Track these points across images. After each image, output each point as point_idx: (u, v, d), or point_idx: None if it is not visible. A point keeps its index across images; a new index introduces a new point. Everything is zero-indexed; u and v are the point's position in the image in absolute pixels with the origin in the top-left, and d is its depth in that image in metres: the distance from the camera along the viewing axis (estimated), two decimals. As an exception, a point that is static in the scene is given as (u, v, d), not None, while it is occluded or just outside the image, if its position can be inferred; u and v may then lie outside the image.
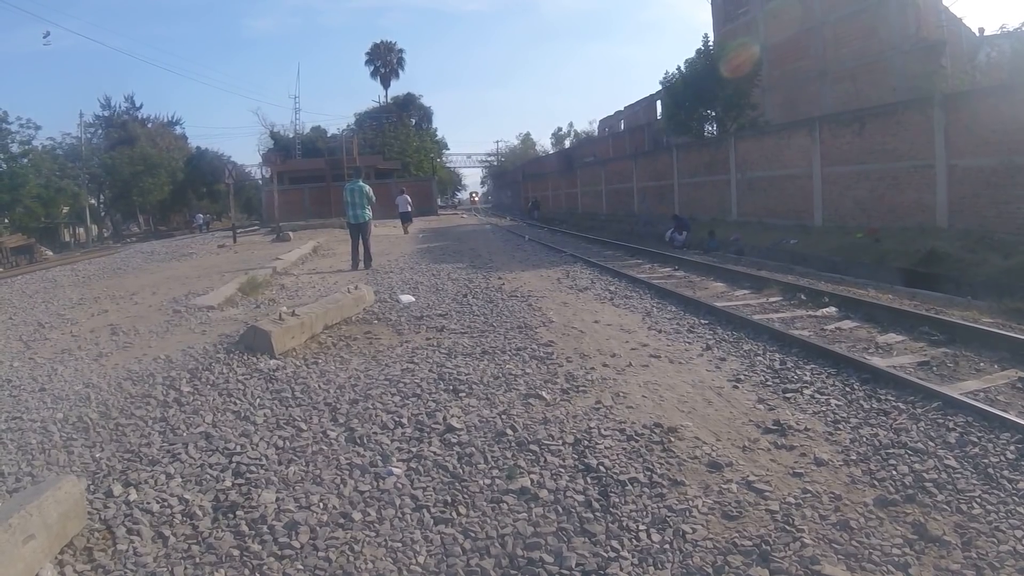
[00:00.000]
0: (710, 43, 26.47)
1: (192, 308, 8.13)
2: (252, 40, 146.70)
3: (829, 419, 4.11)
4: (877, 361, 5.44)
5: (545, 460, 3.48)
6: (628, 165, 31.38)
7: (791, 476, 3.33)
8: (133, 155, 46.19)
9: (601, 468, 3.36)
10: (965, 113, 12.84)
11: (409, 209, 25.32)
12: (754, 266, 12.65)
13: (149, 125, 57.33)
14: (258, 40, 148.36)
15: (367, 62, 65.22)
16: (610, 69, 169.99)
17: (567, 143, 74.27)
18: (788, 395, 4.56)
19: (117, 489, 3.26)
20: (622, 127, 53.87)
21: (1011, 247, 10.98)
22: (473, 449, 3.61)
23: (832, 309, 7.84)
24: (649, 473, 3.32)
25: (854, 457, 3.55)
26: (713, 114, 26.64)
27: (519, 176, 65.59)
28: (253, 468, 3.44)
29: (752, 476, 3.30)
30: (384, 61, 64.56)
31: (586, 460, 3.46)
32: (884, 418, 4.10)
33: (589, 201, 36.93)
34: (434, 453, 3.58)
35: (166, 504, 3.12)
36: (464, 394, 4.57)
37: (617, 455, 3.53)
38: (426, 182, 43.41)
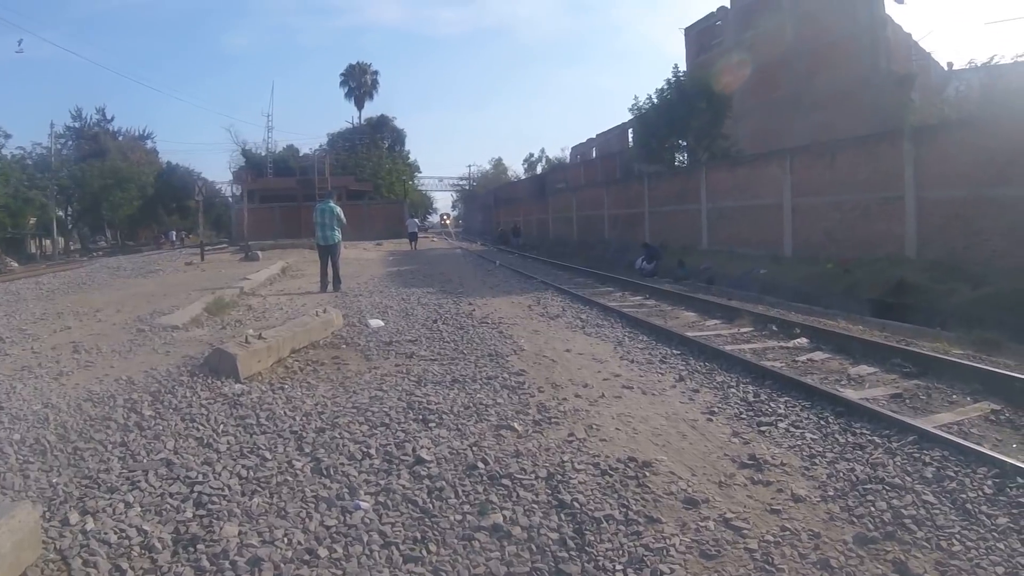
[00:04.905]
0: (681, 73, 26.93)
1: (157, 327, 7.90)
2: (228, 57, 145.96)
3: (805, 453, 4.06)
4: (850, 393, 5.44)
5: (518, 495, 3.37)
6: (600, 192, 31.63)
7: (769, 513, 3.27)
8: (103, 168, 45.47)
9: (575, 504, 3.26)
10: (935, 145, 13.17)
11: (417, 230, 29.93)
12: (724, 296, 12.73)
13: (120, 138, 56.62)
14: (234, 57, 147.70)
15: (342, 83, 65.42)
16: (583, 97, 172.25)
17: (539, 169, 74.83)
18: (763, 428, 4.51)
19: (74, 517, 3.07)
20: (594, 154, 54.57)
21: (980, 278, 11.20)
22: (444, 483, 3.48)
23: (803, 340, 7.88)
24: (624, 510, 3.22)
25: (831, 493, 3.49)
26: (684, 144, 27.05)
27: (490, 200, 65.79)
28: (215, 499, 3.27)
29: (729, 513, 3.23)
30: (359, 82, 64.71)
31: (560, 495, 3.36)
32: (860, 452, 4.07)
33: (560, 227, 37.11)
34: (403, 486, 3.44)
35: (124, 535, 2.94)
36: (434, 424, 4.43)
37: (591, 490, 3.43)
38: (397, 204, 43.33)
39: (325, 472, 3.61)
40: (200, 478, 3.50)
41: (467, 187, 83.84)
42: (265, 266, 16.93)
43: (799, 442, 4.26)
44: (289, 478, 3.54)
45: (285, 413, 4.64)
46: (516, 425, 4.40)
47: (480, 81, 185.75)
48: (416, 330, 8.08)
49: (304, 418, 4.54)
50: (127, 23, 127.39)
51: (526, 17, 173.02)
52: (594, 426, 4.44)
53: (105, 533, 2.95)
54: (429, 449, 3.94)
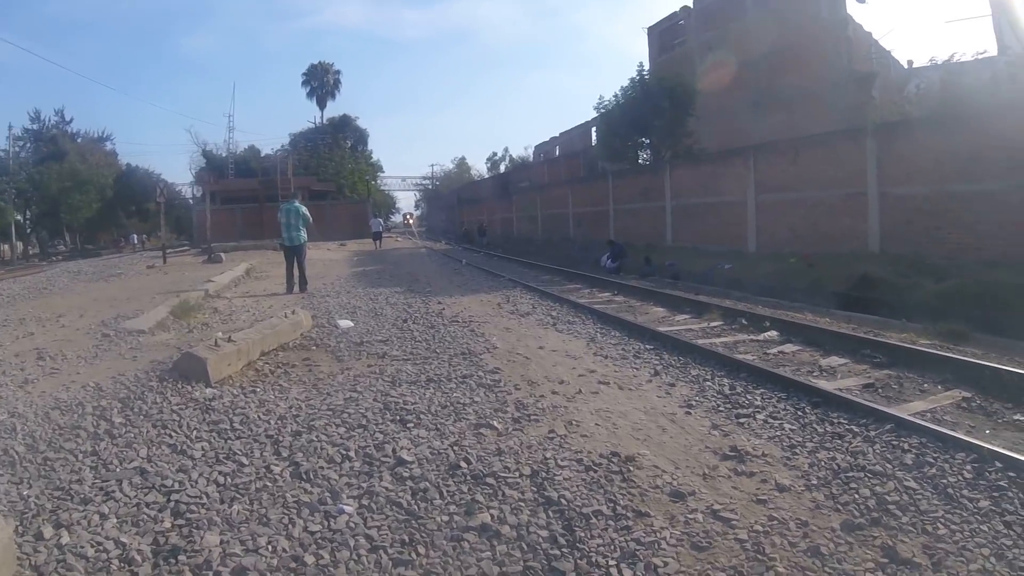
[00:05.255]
0: (646, 72, 27.10)
1: (122, 332, 7.65)
2: (188, 59, 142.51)
3: (785, 444, 4.10)
4: (824, 384, 5.52)
5: (503, 494, 3.32)
6: (564, 191, 31.69)
7: (755, 503, 3.28)
8: (62, 171, 43.90)
9: (563, 501, 3.22)
10: (898, 143, 13.45)
11: (381, 229, 30.74)
12: (692, 291, 12.82)
13: (79, 140, 54.76)
14: (195, 59, 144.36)
15: (304, 83, 64.33)
16: (547, 98, 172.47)
17: (502, 168, 74.58)
18: (741, 420, 4.54)
19: (48, 531, 2.93)
20: (557, 153, 54.57)
21: (942, 271, 11.46)
22: (427, 484, 3.42)
23: (774, 333, 7.97)
24: (612, 505, 3.20)
25: (815, 482, 3.53)
26: (647, 142, 27.23)
27: (454, 200, 65.44)
28: (193, 507, 3.16)
29: (716, 504, 3.23)
30: (321, 82, 63.76)
31: (546, 493, 3.32)
32: (839, 441, 4.12)
33: (525, 226, 37.12)
34: (386, 488, 3.37)
35: (101, 548, 2.81)
36: (412, 424, 4.36)
37: (577, 487, 3.40)
38: (361, 204, 42.86)
39: (305, 476, 3.52)
40: (176, 486, 3.38)
41: (430, 187, 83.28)
42: (229, 268, 16.56)
43: (778, 433, 4.29)
44: (268, 483, 3.44)
45: (259, 417, 4.52)
46: (496, 423, 4.35)
47: (444, 83, 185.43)
48: (387, 330, 7.98)
49: (279, 421, 4.43)
50: (85, 25, 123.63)
51: (489, 21, 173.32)
52: (574, 422, 4.42)
53: (81, 547, 2.82)
54: (409, 450, 3.87)
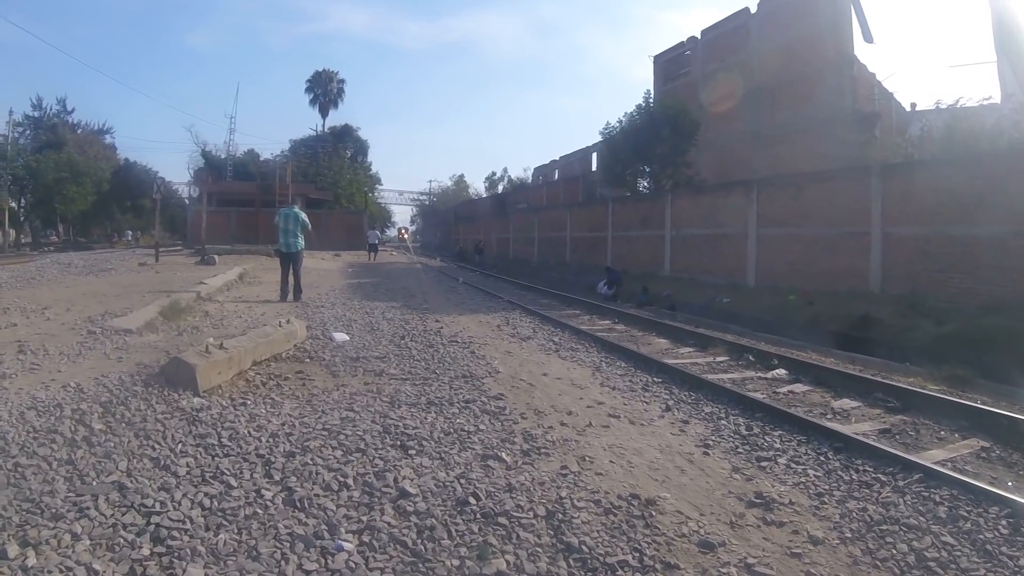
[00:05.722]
0: (651, 99, 27.18)
1: (108, 330, 7.28)
2: (192, 55, 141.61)
3: (812, 491, 3.87)
4: (839, 427, 5.29)
5: (518, 537, 3.03)
6: (563, 214, 31.57)
7: (789, 556, 3.05)
8: (59, 160, 43.34)
9: (583, 548, 2.94)
10: (902, 183, 13.38)
11: (377, 243, 31.84)
12: (691, 323, 12.62)
13: (79, 131, 54.39)
14: (199, 56, 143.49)
15: (307, 89, 63.99)
16: (545, 118, 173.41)
17: (500, 188, 74.57)
18: (763, 464, 4.29)
19: (12, 549, 2.60)
20: (556, 176, 54.71)
21: (943, 314, 11.33)
22: (433, 520, 3.11)
23: (782, 371, 7.76)
24: (638, 555, 2.93)
25: (848, 535, 3.32)
26: (648, 170, 27.24)
27: (451, 217, 65.32)
28: (175, 533, 2.83)
29: (750, 557, 2.97)
30: (325, 90, 63.44)
31: (564, 537, 3.03)
32: (868, 491, 3.92)
33: (521, 247, 36.97)
34: (388, 524, 3.06)
35: (71, 574, 2.50)
36: (414, 452, 4.06)
37: (598, 531, 3.12)
38: (358, 216, 42.58)
39: (299, 504, 3.20)
40: (157, 507, 3.05)
41: (427, 202, 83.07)
42: (222, 271, 16.19)
43: (803, 479, 4.06)
44: (259, 510, 3.11)
45: (249, 433, 4.20)
46: (504, 455, 4.06)
47: (443, 96, 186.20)
48: (383, 346, 7.69)
49: (271, 439, 4.11)
50: (91, 13, 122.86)
51: (491, 36, 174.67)
52: (586, 458, 4.14)
53: (49, 570, 2.51)
54: (413, 480, 3.57)
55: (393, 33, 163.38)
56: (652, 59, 36.56)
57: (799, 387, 7.03)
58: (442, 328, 9.33)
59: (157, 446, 3.85)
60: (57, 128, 51.13)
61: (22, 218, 47.29)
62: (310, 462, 3.75)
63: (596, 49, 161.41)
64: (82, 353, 6.20)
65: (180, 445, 3.89)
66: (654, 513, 3.36)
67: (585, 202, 33.82)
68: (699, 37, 32.75)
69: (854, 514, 3.57)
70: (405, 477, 3.61)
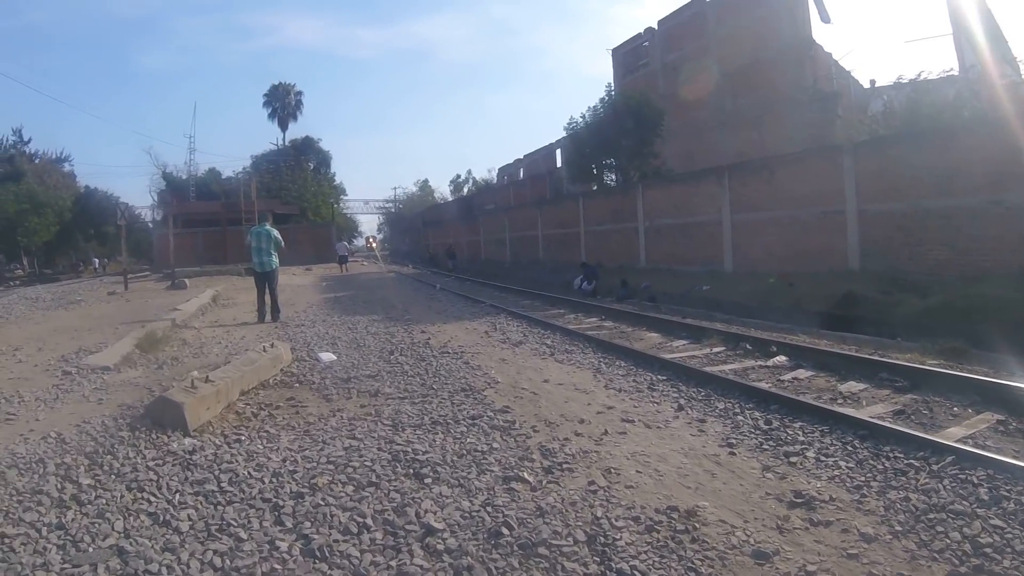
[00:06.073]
0: (613, 92, 27.16)
1: (85, 369, 6.86)
2: (146, 78, 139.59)
3: (849, 484, 3.72)
4: (856, 412, 5.17)
5: (563, 568, 2.79)
6: (533, 213, 31.44)
7: (847, 558, 2.90)
8: (19, 192, 41.93)
9: (636, 574, 2.74)
10: (875, 160, 13.44)
11: (347, 253, 31.84)
12: (676, 314, 12.47)
13: (37, 161, 52.69)
14: (152, 77, 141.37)
15: (265, 103, 62.88)
16: (508, 118, 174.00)
17: (466, 190, 74.18)
18: (792, 460, 4.12)
19: None
20: (522, 175, 54.57)
21: (926, 288, 11.37)
22: (469, 559, 2.86)
23: (782, 358, 7.64)
24: (694, 574, 2.73)
25: (899, 528, 3.18)
26: (615, 163, 27.21)
27: (418, 223, 64.77)
28: (187, 602, 2.56)
29: (809, 564, 2.81)
30: (283, 103, 62.39)
31: (613, 564, 2.81)
32: (905, 479, 3.78)
33: (492, 249, 36.75)
34: (421, 568, 2.79)
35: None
36: (430, 480, 3.79)
37: (645, 552, 2.91)
38: (326, 228, 41.93)
39: (319, 554, 2.91)
40: (164, 572, 2.76)
41: (393, 209, 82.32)
42: (194, 295, 15.68)
43: (836, 472, 3.91)
44: (277, 566, 2.81)
45: (250, 474, 3.91)
46: (526, 475, 3.83)
47: (402, 103, 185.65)
48: (374, 363, 7.39)
49: (274, 479, 3.82)
50: (42, 41, 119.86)
51: (445, 40, 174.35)
52: (612, 470, 3.94)
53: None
54: (436, 514, 3.32)
55: (346, 42, 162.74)
56: (611, 52, 36.62)
57: (802, 373, 6.90)
58: (430, 339, 9.07)
59: (153, 498, 3.54)
60: (14, 159, 49.46)
61: (-16, 254, 45.76)
62: (321, 503, 3.47)
63: (553, 46, 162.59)
64: (59, 397, 5.81)
65: (178, 495, 3.58)
66: (697, 525, 3.17)
67: (555, 199, 33.70)
68: (656, 28, 32.85)
69: (898, 505, 3.43)
70: (427, 511, 3.35)
